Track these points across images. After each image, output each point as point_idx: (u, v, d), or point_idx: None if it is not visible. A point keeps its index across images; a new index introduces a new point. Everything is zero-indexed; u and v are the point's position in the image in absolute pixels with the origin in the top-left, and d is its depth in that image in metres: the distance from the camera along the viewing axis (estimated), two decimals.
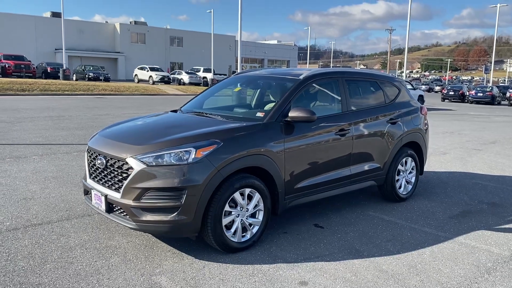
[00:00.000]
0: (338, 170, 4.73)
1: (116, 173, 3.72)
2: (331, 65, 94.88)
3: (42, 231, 4.22)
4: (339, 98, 4.87)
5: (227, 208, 3.74)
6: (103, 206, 3.81)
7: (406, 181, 5.70)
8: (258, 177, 4.00)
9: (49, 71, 34.97)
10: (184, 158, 3.54)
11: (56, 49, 46.39)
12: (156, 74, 38.91)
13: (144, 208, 3.52)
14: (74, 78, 36.45)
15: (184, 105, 5.25)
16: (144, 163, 3.54)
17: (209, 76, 41.55)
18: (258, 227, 4.01)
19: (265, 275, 3.48)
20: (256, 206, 3.98)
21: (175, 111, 5.04)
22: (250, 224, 3.97)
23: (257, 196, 3.95)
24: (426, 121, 6.02)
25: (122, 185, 3.62)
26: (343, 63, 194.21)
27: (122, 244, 3.99)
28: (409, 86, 24.73)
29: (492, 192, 6.30)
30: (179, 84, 40.00)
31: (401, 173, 5.60)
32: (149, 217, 3.52)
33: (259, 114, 4.32)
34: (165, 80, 38.69)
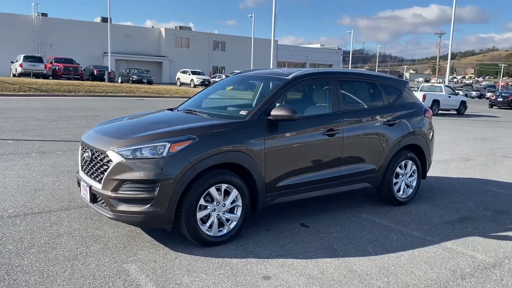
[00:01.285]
0: (326, 170, 4.72)
1: (99, 165, 3.93)
2: (376, 69, 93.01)
3: (39, 219, 4.50)
4: (330, 98, 4.87)
5: (202, 202, 3.85)
6: (88, 197, 4.03)
7: (406, 184, 5.58)
8: (237, 173, 4.08)
9: (95, 73, 36.61)
10: (159, 152, 3.69)
11: (104, 53, 48.41)
12: (197, 78, 39.80)
13: (121, 198, 3.70)
14: (119, 80, 37.96)
15: (181, 104, 5.42)
16: (122, 156, 3.73)
17: None
18: (236, 222, 4.09)
19: (232, 268, 3.56)
20: (234, 202, 4.07)
21: (171, 109, 5.21)
22: (228, 220, 4.06)
23: (234, 192, 4.03)
24: (430, 124, 5.87)
25: (103, 176, 3.82)
26: (391, 68, 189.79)
27: (107, 234, 4.19)
28: (449, 91, 23.87)
29: (503, 200, 6.04)
30: None
31: (400, 176, 5.49)
32: (125, 207, 3.69)
33: (243, 112, 4.41)
34: (205, 83, 39.45)
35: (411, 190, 5.64)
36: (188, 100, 5.51)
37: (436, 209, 5.45)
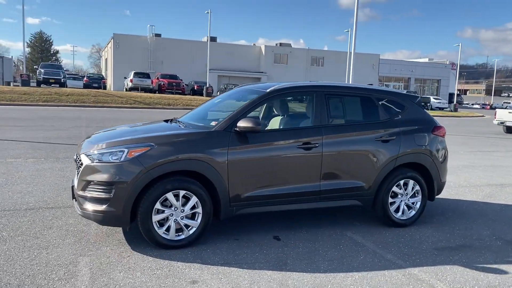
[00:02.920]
0: (301, 184, 4.68)
1: (77, 167, 4.43)
2: (493, 85, 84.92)
3: (46, 213, 5.15)
4: (312, 112, 4.83)
5: (159, 206, 4.12)
6: (71, 194, 4.55)
7: (407, 205, 5.23)
8: (200, 182, 4.28)
9: (195, 88, 39.23)
10: (118, 157, 4.06)
11: (209, 70, 51.59)
12: None
13: (86, 197, 4.13)
14: (218, 94, 40.12)
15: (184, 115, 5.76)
16: (90, 159, 4.17)
17: None
18: (195, 229, 4.28)
19: (170, 270, 3.75)
20: (194, 208, 4.26)
21: (166, 120, 5.55)
22: (188, 225, 4.26)
23: (194, 199, 4.23)
24: (441, 143, 5.43)
25: (78, 177, 4.30)
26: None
27: (90, 230, 4.66)
28: None
29: None
30: None
31: (399, 196, 5.17)
32: (89, 206, 4.11)
33: (213, 123, 4.59)
34: None
35: (413, 212, 5.26)
36: (191, 111, 5.83)
37: (437, 234, 5.02)
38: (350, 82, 46.68)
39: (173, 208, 4.19)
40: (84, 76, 44.93)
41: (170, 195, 4.15)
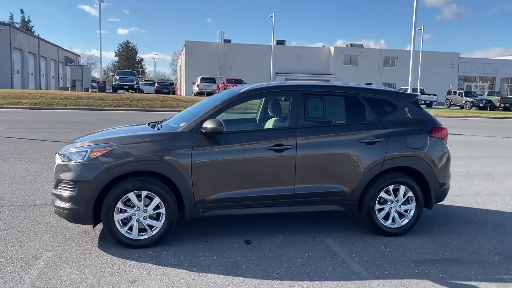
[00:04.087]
0: (274, 187, 4.51)
1: None
2: None
3: (45, 210, 5.46)
4: (287, 113, 4.64)
5: (121, 206, 4.20)
6: None
7: (399, 213, 4.82)
8: (165, 182, 4.30)
9: None
10: (82, 157, 4.21)
11: (276, 73, 51.76)
12: None
13: (56, 195, 4.33)
14: None
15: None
16: (61, 158, 4.37)
17: None
18: (158, 229, 4.30)
19: (118, 269, 3.80)
20: (158, 208, 4.29)
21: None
22: (151, 226, 4.30)
23: (156, 200, 4.26)
24: (441, 146, 4.94)
25: None
26: None
27: (72, 227, 4.85)
28: None
29: None
30: None
31: (389, 203, 4.79)
32: (59, 203, 4.30)
33: (182, 124, 4.58)
34: None
35: (406, 220, 4.83)
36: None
37: (429, 245, 4.58)
38: (419, 82, 44.17)
39: (135, 208, 4.25)
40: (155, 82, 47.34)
41: (131, 195, 4.21)
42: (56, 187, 4.36)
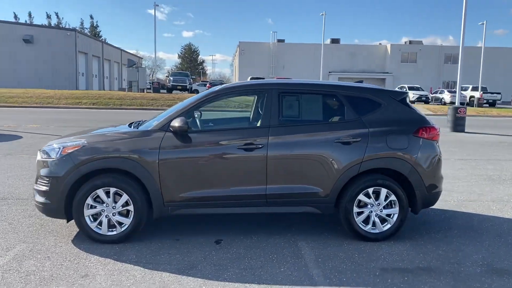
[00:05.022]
0: (244, 187, 4.43)
1: None
2: None
3: None
4: (260, 111, 4.54)
5: (91, 202, 4.32)
6: None
7: (380, 218, 4.55)
8: (134, 180, 4.37)
9: None
10: (55, 153, 4.38)
11: (329, 72, 50.94)
12: (413, 93, 37.58)
13: (36, 190, 4.54)
14: None
15: None
16: (40, 155, 4.58)
17: (476, 94, 37.14)
18: (127, 226, 4.38)
19: (77, 263, 3.91)
20: (127, 205, 4.36)
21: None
22: (120, 222, 4.38)
23: (124, 197, 4.33)
24: (430, 147, 4.59)
25: None
26: None
27: (57, 222, 5.05)
28: None
29: None
30: (440, 104, 37.34)
31: (369, 206, 4.53)
32: (37, 197, 4.51)
33: (154, 123, 4.62)
34: (422, 99, 37.06)
35: (388, 225, 4.55)
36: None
37: (408, 252, 4.28)
38: (480, 79, 41.42)
39: (104, 205, 4.35)
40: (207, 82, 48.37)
41: (100, 192, 4.31)
42: (36, 182, 4.57)
